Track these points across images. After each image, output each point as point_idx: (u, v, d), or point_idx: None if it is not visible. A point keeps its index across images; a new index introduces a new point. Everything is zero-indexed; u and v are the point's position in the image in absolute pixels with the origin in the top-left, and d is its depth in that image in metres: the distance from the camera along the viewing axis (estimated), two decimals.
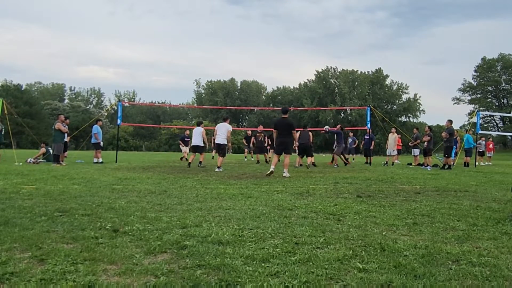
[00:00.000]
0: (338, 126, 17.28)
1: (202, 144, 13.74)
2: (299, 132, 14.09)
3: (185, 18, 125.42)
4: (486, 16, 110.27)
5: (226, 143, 12.05)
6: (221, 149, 12.01)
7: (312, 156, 14.66)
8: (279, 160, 10.65)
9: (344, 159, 16.31)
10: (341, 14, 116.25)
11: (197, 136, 13.75)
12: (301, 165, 14.26)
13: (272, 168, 9.98)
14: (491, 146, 23.23)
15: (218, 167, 11.58)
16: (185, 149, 19.81)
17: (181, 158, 19.31)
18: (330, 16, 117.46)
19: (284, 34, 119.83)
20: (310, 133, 14.86)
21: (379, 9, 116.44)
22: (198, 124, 14.63)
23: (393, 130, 18.51)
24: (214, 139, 12.42)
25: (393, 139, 18.19)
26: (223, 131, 12.05)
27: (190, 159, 14.05)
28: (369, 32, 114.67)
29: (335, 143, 15.99)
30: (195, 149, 13.96)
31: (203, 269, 2.54)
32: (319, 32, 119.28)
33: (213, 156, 18.98)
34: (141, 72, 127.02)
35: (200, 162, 13.70)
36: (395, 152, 18.20)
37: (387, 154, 18.70)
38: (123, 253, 2.82)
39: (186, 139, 19.35)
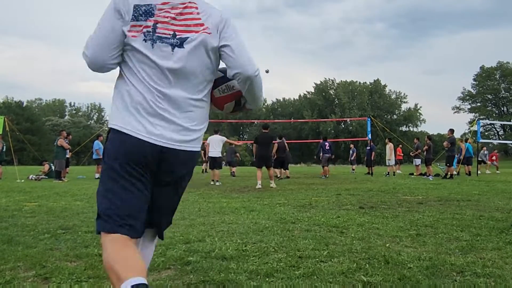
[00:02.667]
0: (322, 138, 17.76)
1: None
2: (276, 145, 14.23)
3: None
4: (483, 25, 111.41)
5: (220, 155, 12.11)
6: (216, 163, 12.01)
7: (283, 167, 14.97)
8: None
9: (326, 171, 16.25)
10: (340, 26, 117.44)
11: None
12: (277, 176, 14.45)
13: (259, 184, 10.13)
14: (494, 157, 23.10)
15: (217, 181, 11.65)
16: None
17: None
18: (329, 28, 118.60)
19: (284, 46, 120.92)
20: (286, 144, 15.06)
21: (378, 21, 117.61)
22: None
23: (387, 140, 18.52)
24: (207, 153, 12.36)
25: (388, 149, 18.21)
26: (217, 144, 12.01)
27: None
28: (368, 43, 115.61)
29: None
30: None
31: (208, 285, 2.53)
32: (319, 44, 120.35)
33: (203, 170, 18.82)
34: None
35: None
36: (393, 162, 18.13)
37: (386, 164, 18.71)
38: None
39: None
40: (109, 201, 1.67)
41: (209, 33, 1.75)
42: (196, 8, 1.77)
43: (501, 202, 6.80)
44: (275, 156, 14.10)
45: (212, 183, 11.45)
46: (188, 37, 1.73)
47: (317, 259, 3.09)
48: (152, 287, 2.49)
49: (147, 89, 1.70)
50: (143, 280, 1.47)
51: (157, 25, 1.70)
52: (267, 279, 2.62)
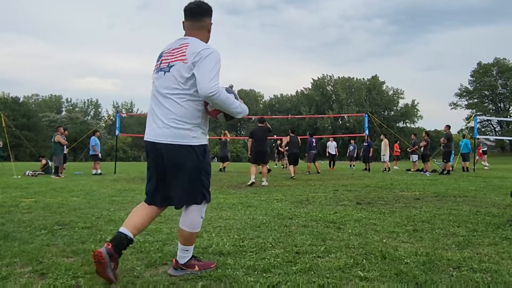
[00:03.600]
0: (308, 134, 17.56)
1: None
2: (286, 139, 13.64)
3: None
4: (481, 22, 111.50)
5: None
6: None
7: (296, 165, 13.49)
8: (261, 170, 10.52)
9: (316, 167, 16.16)
10: (338, 22, 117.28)
11: None
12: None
13: (252, 178, 9.82)
14: (480, 151, 23.15)
15: None
16: None
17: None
18: (328, 25, 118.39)
19: (282, 43, 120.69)
20: (299, 140, 13.95)
21: (377, 17, 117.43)
22: None
23: (382, 136, 18.52)
24: None
25: (383, 144, 18.24)
26: None
27: None
28: (366, 39, 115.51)
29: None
30: None
31: (205, 280, 2.53)
32: (317, 40, 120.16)
33: None
34: (139, 82, 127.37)
35: None
36: (387, 158, 18.11)
37: (382, 160, 18.75)
38: (124, 266, 2.81)
39: None
40: None
41: (185, 62, 2.53)
42: (187, 46, 2.58)
43: (497, 198, 6.82)
44: (287, 152, 13.52)
45: None
46: (174, 64, 2.57)
47: (314, 255, 3.10)
48: (149, 282, 2.49)
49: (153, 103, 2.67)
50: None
51: (162, 62, 2.67)
52: (264, 274, 2.62)
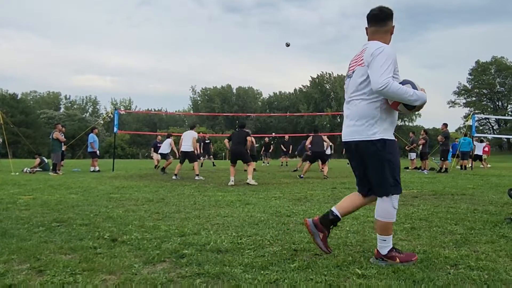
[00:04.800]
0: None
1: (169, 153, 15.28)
2: (310, 138, 13.18)
3: (183, 26, 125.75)
4: (479, 20, 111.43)
5: (192, 150, 11.88)
6: (189, 157, 11.85)
7: (324, 163, 12.84)
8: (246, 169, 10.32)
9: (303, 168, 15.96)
10: (337, 20, 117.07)
11: (166, 145, 15.33)
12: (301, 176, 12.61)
13: (231, 180, 9.59)
14: (486, 148, 23.14)
15: (197, 175, 11.42)
16: (156, 156, 19.65)
17: (156, 167, 18.85)
18: (326, 22, 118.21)
19: (281, 41, 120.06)
20: (325, 138, 13.19)
21: None
22: (168, 137, 16.05)
23: None
24: (179, 148, 12.16)
25: None
26: (189, 139, 11.78)
27: (165, 165, 14.70)
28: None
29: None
30: (163, 157, 15.40)
31: (203, 277, 2.53)
32: (316, 38, 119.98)
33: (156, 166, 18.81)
34: (137, 80, 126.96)
35: (163, 168, 14.40)
36: None
37: None
38: (122, 263, 2.81)
39: (158, 145, 19.07)
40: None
41: (362, 66, 2.80)
42: (366, 50, 2.80)
43: (495, 196, 6.84)
44: (310, 151, 13.00)
45: (196, 178, 11.23)
46: (355, 70, 2.87)
47: (312, 252, 3.10)
48: (147, 279, 2.49)
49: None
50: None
51: (349, 70, 2.98)
52: (262, 272, 2.63)
